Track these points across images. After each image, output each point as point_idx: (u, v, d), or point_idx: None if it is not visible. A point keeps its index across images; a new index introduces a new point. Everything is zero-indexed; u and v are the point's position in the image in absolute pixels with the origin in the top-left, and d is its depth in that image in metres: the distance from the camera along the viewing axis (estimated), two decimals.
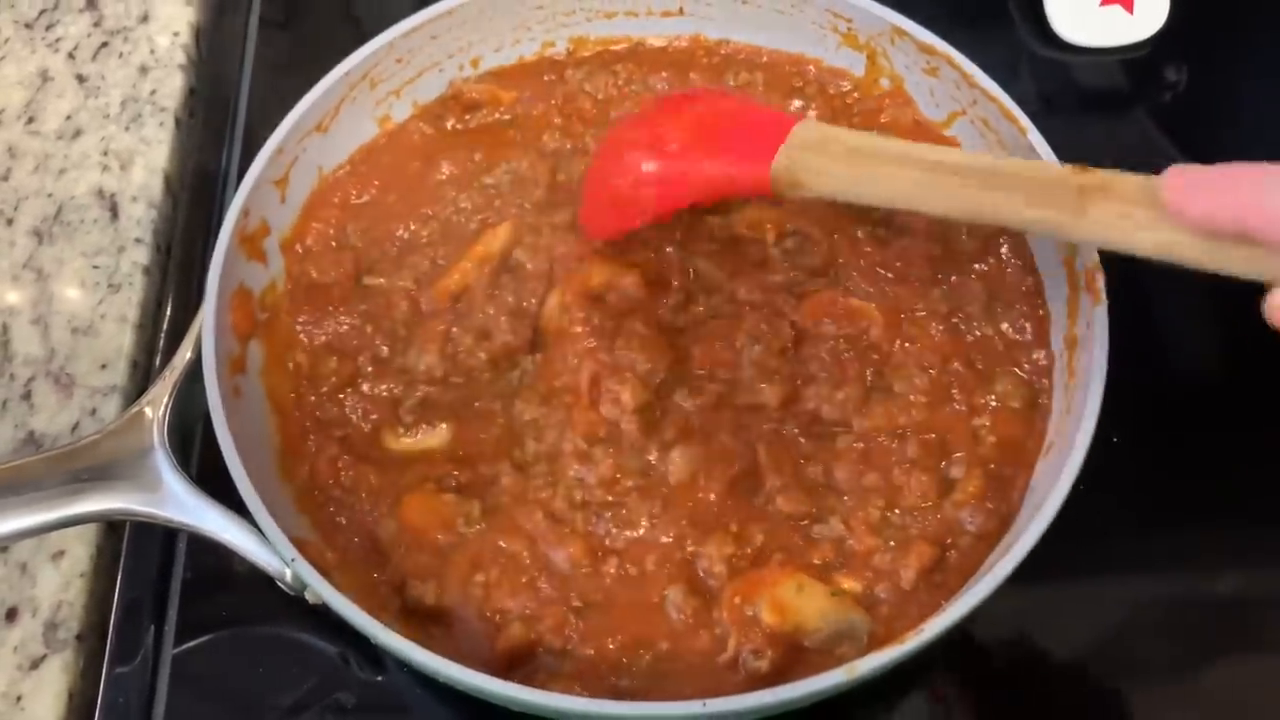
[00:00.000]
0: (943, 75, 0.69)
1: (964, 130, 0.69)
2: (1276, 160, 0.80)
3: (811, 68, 0.74)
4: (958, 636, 0.62)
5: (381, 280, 0.67)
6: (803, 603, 0.55)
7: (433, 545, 0.58)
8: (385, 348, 0.65)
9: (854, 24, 0.71)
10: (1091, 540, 0.61)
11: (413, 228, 0.69)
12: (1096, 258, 0.60)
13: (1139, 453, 0.67)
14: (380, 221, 0.69)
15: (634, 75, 0.75)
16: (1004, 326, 0.64)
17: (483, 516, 0.59)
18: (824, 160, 0.54)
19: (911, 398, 0.61)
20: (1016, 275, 0.65)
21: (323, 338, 0.65)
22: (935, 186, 0.51)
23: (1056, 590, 0.65)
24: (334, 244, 0.68)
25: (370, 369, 0.64)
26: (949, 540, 0.57)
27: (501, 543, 0.58)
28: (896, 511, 0.58)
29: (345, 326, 0.65)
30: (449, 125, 0.73)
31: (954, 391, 0.61)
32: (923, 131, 0.70)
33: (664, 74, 0.75)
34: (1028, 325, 0.64)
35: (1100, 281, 0.59)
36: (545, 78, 0.75)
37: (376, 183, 0.71)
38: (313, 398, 0.63)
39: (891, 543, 0.57)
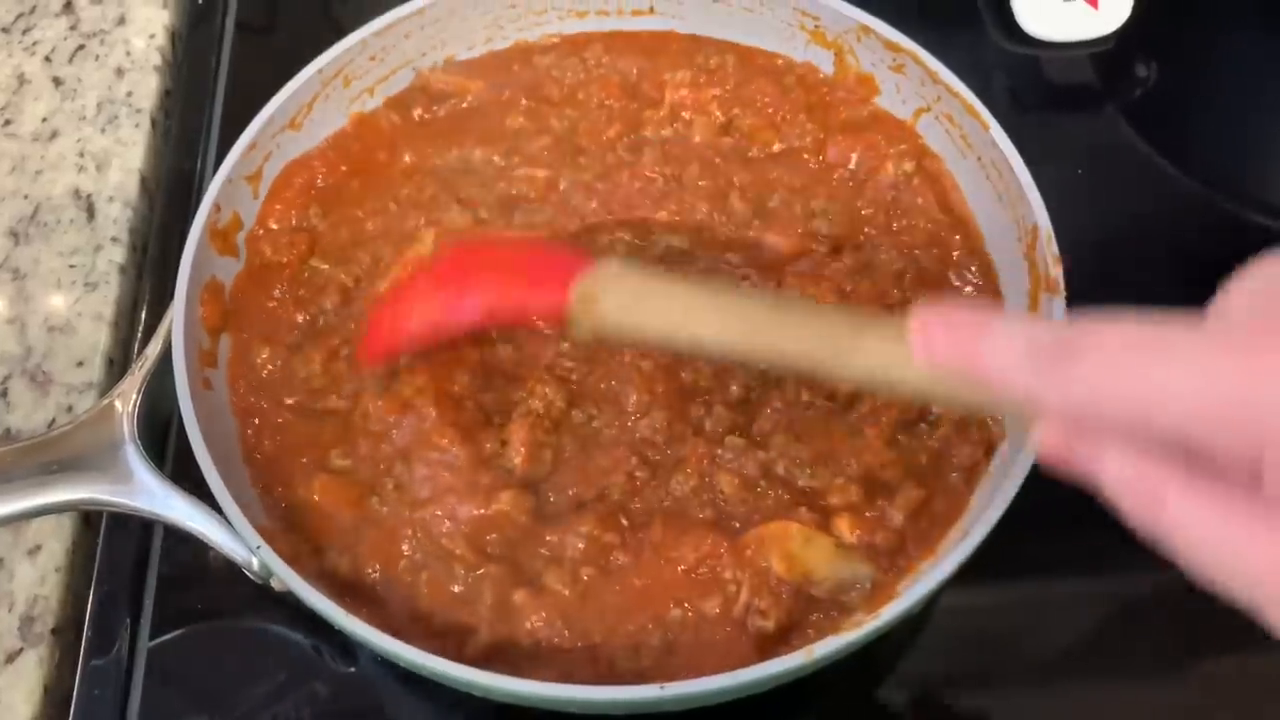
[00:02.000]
0: (908, 72, 0.69)
1: (929, 126, 0.70)
2: (1251, 149, 0.82)
3: (780, 61, 0.75)
4: (932, 633, 0.64)
5: (325, 266, 0.67)
6: (810, 554, 0.57)
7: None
8: (299, 335, 0.65)
9: (822, 22, 0.72)
10: (1065, 535, 0.62)
11: (367, 217, 0.69)
12: (1055, 250, 0.61)
13: None
14: (340, 206, 0.70)
15: (603, 59, 0.76)
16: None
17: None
18: (616, 297, 0.53)
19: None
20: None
21: (255, 324, 0.65)
22: (718, 325, 0.50)
23: (1033, 587, 0.66)
24: (293, 224, 0.69)
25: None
26: (934, 482, 0.59)
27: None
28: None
29: (274, 308, 0.66)
30: (416, 115, 0.74)
31: None
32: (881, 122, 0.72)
33: (635, 59, 0.75)
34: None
35: (1059, 273, 0.60)
36: (514, 66, 0.75)
37: (343, 168, 0.71)
38: (244, 384, 0.63)
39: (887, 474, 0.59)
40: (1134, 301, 0.74)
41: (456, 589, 0.57)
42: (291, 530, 0.58)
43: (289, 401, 0.63)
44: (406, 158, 0.72)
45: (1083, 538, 0.64)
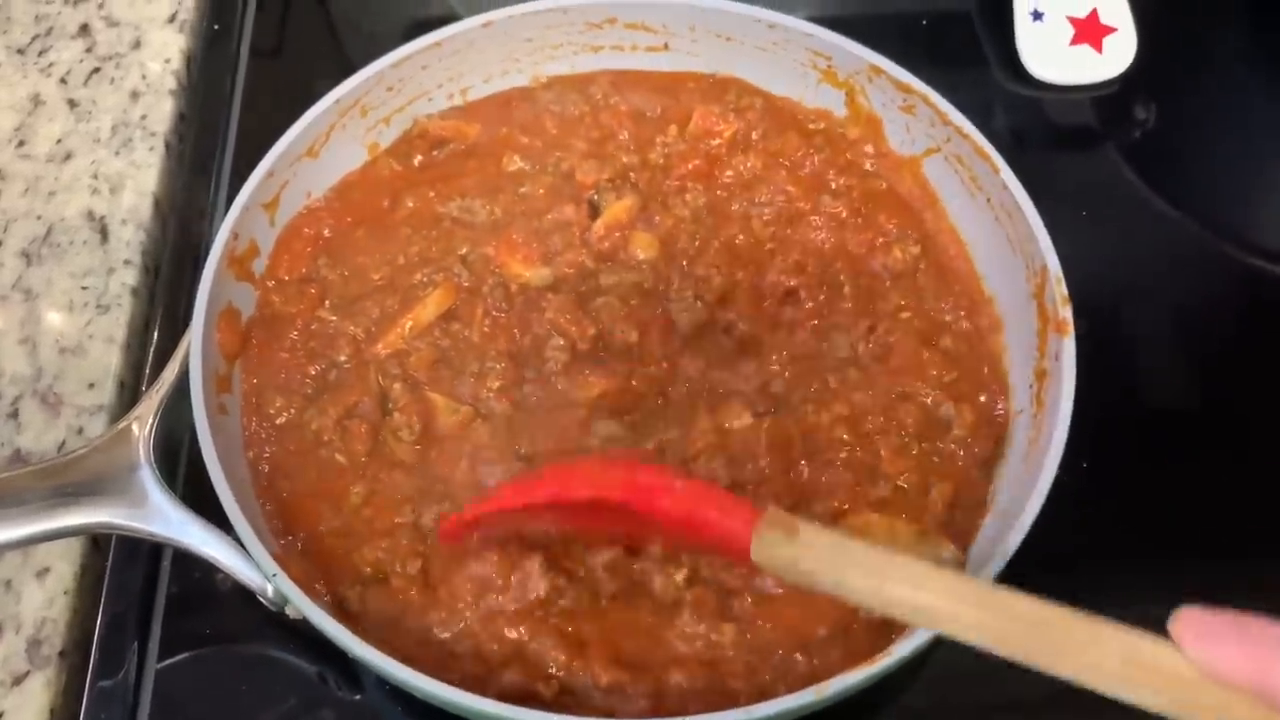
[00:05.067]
0: (918, 113, 0.70)
1: (938, 167, 0.71)
2: (1249, 192, 0.84)
3: (822, 121, 0.75)
4: (931, 667, 0.64)
5: (334, 319, 0.67)
6: (895, 544, 0.58)
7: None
8: (312, 387, 0.65)
9: (833, 62, 0.73)
10: (1061, 567, 0.62)
11: (373, 268, 0.69)
12: (1065, 291, 0.62)
13: (1109, 479, 0.69)
14: (348, 256, 0.70)
15: (610, 93, 0.76)
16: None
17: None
18: (815, 540, 0.48)
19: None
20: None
21: (268, 372, 0.65)
22: (925, 600, 0.46)
23: None
24: (304, 274, 0.69)
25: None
26: (960, 475, 0.61)
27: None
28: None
29: (286, 358, 0.66)
30: (416, 162, 0.74)
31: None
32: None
33: (648, 94, 0.76)
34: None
35: (1068, 314, 0.61)
36: (513, 103, 0.76)
37: (348, 218, 0.71)
38: (262, 433, 0.64)
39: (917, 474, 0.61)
40: (1143, 336, 0.76)
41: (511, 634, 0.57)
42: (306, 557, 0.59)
43: (299, 449, 0.63)
44: (409, 203, 0.72)
45: (1082, 572, 0.65)
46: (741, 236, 0.71)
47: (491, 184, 0.73)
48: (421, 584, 0.58)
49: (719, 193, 0.73)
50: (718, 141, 0.74)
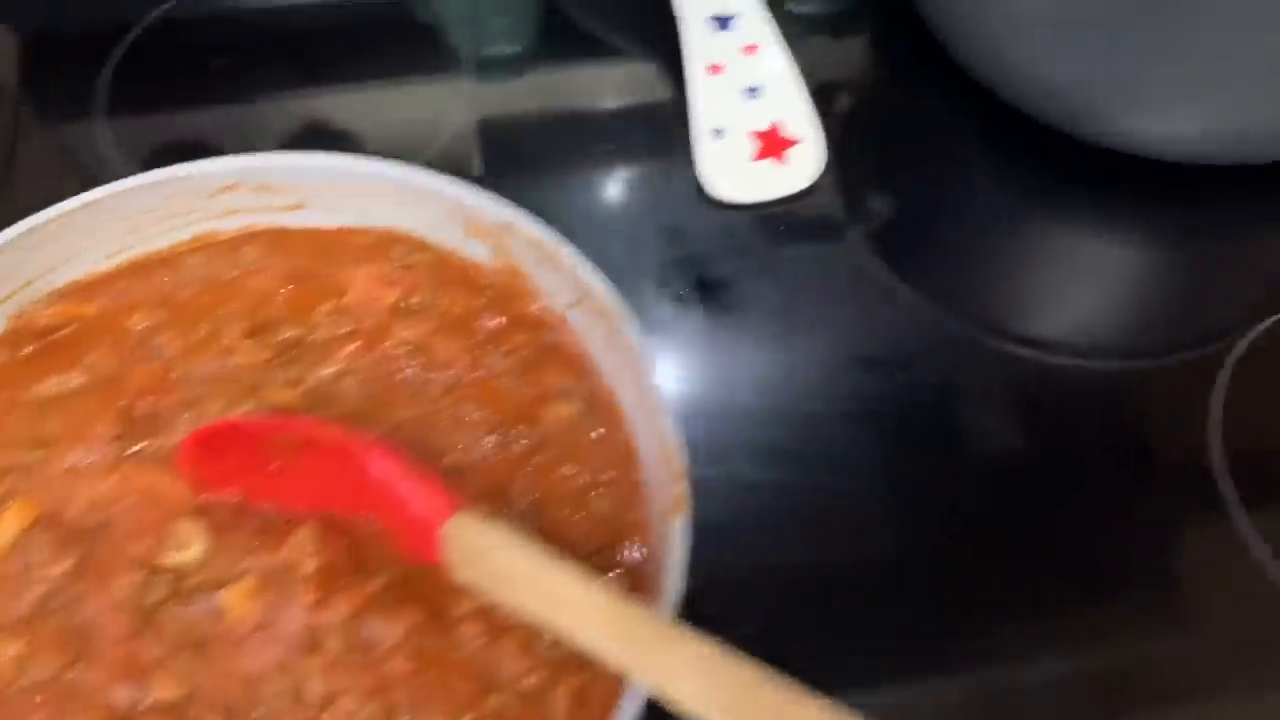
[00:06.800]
0: (553, 266, 0.68)
1: (582, 320, 0.68)
2: (976, 272, 0.83)
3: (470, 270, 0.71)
4: None
5: None
6: None
7: None
8: None
9: (474, 217, 0.70)
10: (942, 633, 0.64)
11: None
12: (682, 462, 0.59)
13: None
14: None
15: (265, 255, 0.72)
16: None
17: None
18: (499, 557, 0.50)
19: None
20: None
21: None
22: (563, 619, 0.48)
23: (919, 690, 0.65)
24: None
25: None
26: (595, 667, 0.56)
27: None
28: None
29: None
30: (26, 351, 0.68)
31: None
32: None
33: (307, 255, 0.71)
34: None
35: (681, 490, 0.58)
36: (149, 273, 0.71)
37: None
38: None
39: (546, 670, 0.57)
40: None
41: None
42: None
43: None
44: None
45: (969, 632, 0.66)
46: (413, 411, 0.66)
47: (112, 347, 0.67)
48: None
49: (385, 366, 0.68)
50: (381, 309, 0.70)
